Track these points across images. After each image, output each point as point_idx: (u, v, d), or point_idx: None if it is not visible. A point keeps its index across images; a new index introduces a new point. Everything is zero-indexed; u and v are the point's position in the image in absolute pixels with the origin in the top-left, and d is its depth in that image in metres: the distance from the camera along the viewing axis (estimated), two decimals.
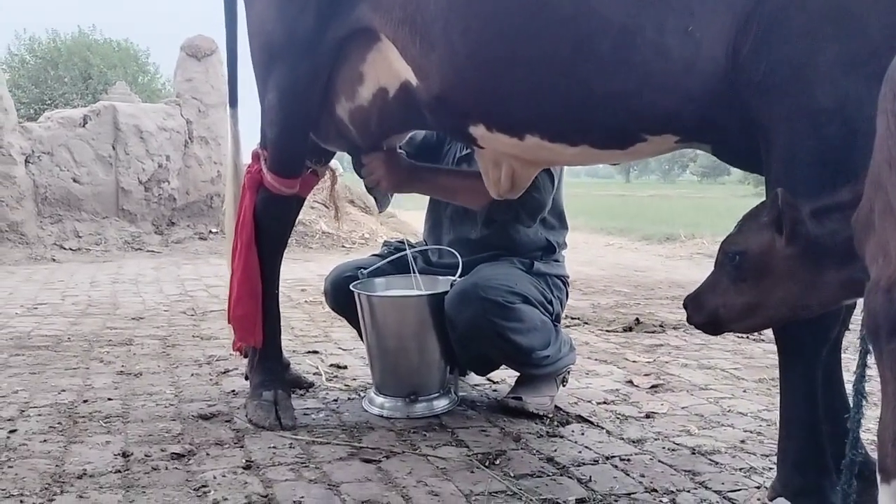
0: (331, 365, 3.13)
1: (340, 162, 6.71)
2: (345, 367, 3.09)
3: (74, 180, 7.90)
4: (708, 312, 1.52)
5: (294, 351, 3.30)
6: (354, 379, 2.92)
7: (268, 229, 2.42)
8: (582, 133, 1.75)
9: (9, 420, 2.34)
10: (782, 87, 1.47)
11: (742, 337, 3.87)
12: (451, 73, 1.82)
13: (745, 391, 2.85)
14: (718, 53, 1.53)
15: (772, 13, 1.47)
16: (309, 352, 3.37)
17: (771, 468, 2.03)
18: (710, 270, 1.54)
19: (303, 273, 6.30)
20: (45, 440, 2.17)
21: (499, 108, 1.82)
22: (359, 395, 2.69)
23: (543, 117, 1.76)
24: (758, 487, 1.92)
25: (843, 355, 1.72)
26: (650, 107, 1.61)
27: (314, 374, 2.95)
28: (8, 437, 2.18)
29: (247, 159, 2.53)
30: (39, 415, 2.40)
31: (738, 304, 1.47)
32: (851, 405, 1.33)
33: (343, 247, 8.58)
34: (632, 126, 1.68)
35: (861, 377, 1.31)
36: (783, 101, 1.48)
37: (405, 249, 2.62)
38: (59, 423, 2.31)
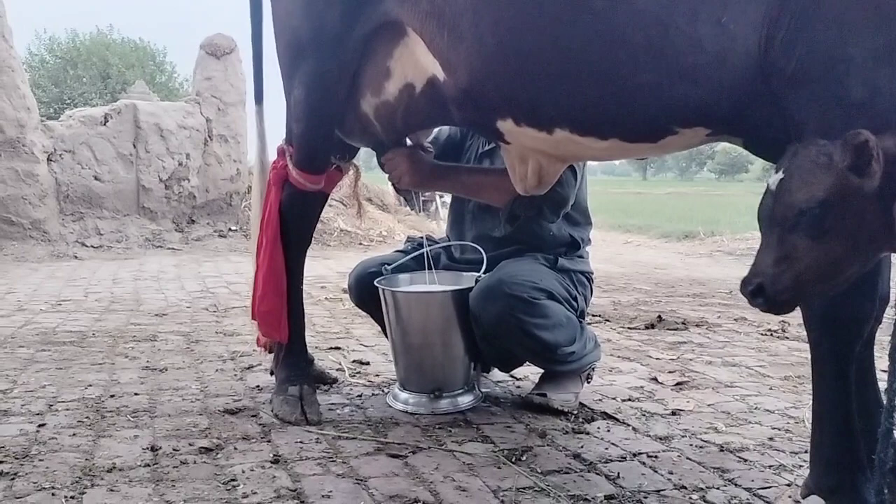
0: (353, 361, 3.13)
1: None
2: (367, 364, 3.10)
3: (96, 178, 7.96)
4: (792, 284, 1.34)
5: (316, 347, 3.31)
6: (377, 375, 2.92)
7: (293, 225, 2.43)
8: (612, 126, 1.73)
9: (37, 414, 2.37)
10: (814, 77, 1.44)
11: (766, 334, 3.84)
12: (480, 66, 1.81)
13: (771, 388, 2.82)
14: (751, 44, 1.50)
15: (805, 3, 1.44)
16: (331, 348, 3.37)
17: (800, 465, 2.01)
18: (756, 255, 1.40)
19: (322, 270, 6.31)
20: (73, 434, 2.18)
21: (528, 101, 1.80)
22: (382, 391, 2.70)
23: (573, 110, 1.74)
24: (788, 485, 1.90)
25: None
26: (682, 99, 1.58)
27: (337, 370, 2.95)
28: (37, 431, 2.20)
29: (272, 155, 2.53)
30: (67, 409, 2.42)
31: (825, 261, 1.33)
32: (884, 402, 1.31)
33: (361, 244, 8.59)
34: (663, 119, 1.65)
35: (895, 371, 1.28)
36: (815, 92, 1.45)
37: (428, 246, 2.61)
38: (87, 418, 2.33)
